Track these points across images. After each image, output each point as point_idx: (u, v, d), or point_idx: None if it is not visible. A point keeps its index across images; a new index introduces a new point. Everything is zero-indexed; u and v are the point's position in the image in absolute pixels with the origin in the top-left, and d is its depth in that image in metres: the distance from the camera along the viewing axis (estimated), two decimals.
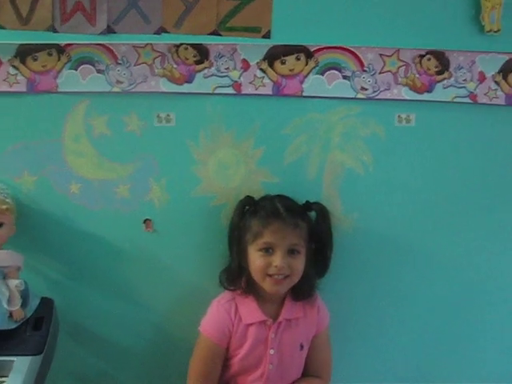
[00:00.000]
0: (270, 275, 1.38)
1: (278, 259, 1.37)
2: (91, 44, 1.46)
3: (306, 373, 1.51)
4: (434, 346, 1.69)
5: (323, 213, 1.48)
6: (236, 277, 1.45)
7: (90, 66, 1.48)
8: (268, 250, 1.39)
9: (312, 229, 1.45)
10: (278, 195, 1.48)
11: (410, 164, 1.57)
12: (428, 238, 1.62)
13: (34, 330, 1.37)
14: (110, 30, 1.46)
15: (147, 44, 1.48)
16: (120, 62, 1.48)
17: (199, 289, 1.57)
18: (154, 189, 1.55)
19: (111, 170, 1.53)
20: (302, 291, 1.45)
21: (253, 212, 1.44)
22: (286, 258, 1.38)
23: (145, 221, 1.55)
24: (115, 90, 1.49)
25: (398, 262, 1.62)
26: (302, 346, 1.47)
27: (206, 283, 1.55)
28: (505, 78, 1.54)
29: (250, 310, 1.43)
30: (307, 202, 1.49)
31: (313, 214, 1.49)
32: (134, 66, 1.49)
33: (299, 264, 1.41)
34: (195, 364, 1.46)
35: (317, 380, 1.51)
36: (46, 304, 1.46)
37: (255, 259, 1.40)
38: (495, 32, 1.50)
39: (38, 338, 1.35)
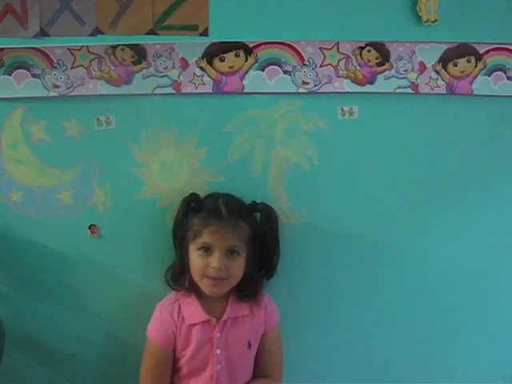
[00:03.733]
0: (208, 276, 1.37)
1: (215, 260, 1.36)
2: (25, 48, 1.44)
3: (256, 373, 1.49)
4: (390, 344, 1.67)
5: (268, 213, 1.46)
6: (179, 275, 1.44)
7: (25, 71, 1.45)
8: (206, 249, 1.37)
9: (256, 230, 1.44)
10: (225, 194, 1.46)
11: (355, 156, 1.57)
12: (376, 230, 1.60)
13: None
14: (43, 33, 1.44)
15: (83, 46, 1.46)
16: (56, 65, 1.46)
17: (147, 293, 1.54)
18: (97, 193, 1.52)
19: (52, 177, 1.51)
20: (246, 292, 1.45)
21: (196, 210, 1.43)
22: (223, 259, 1.37)
23: (90, 226, 1.53)
24: (52, 94, 1.47)
25: (348, 256, 1.61)
26: (249, 345, 1.45)
27: (153, 287, 1.53)
28: (444, 67, 1.54)
29: (192, 310, 1.42)
30: (253, 202, 1.47)
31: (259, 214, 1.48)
32: (71, 69, 1.47)
33: (238, 266, 1.39)
34: (145, 369, 1.44)
35: (268, 380, 1.49)
36: None
37: (194, 258, 1.39)
38: (433, 22, 1.51)
39: None
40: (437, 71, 1.54)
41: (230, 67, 1.50)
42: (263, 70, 1.51)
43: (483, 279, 1.65)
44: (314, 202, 1.57)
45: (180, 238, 1.44)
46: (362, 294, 1.63)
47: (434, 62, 1.54)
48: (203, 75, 1.50)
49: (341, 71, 1.53)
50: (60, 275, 1.55)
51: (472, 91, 1.56)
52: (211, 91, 1.50)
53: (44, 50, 1.44)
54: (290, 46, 1.50)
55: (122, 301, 1.58)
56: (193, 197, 1.46)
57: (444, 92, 1.55)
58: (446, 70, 1.55)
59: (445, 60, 1.54)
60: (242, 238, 1.39)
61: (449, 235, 1.63)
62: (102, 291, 1.56)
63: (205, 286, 1.39)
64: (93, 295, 1.56)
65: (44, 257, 1.53)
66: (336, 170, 1.57)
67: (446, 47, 1.53)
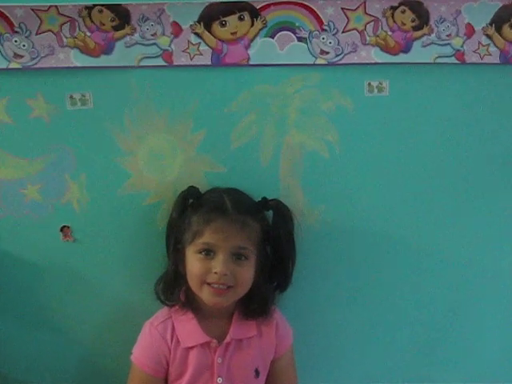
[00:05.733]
0: (209, 283, 1.25)
1: (218, 264, 1.23)
2: None
3: None
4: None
5: (282, 212, 1.35)
6: (173, 286, 1.32)
7: None
8: (208, 252, 1.26)
9: (267, 231, 1.33)
10: (230, 188, 1.35)
11: (384, 142, 1.44)
12: (409, 230, 1.48)
13: None
14: None
15: (51, 6, 1.32)
16: (17, 30, 1.32)
17: (133, 309, 1.45)
18: (71, 188, 1.41)
19: (16, 167, 1.39)
20: (253, 308, 1.32)
21: (195, 206, 1.31)
22: (229, 263, 1.24)
23: (62, 228, 1.42)
24: (14, 65, 1.34)
25: (374, 259, 1.50)
26: (257, 373, 1.33)
27: (140, 301, 1.43)
28: (498, 30, 1.40)
29: (189, 329, 1.30)
30: (264, 198, 1.35)
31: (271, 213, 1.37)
32: (36, 35, 1.33)
33: (246, 272, 1.27)
34: None
35: None
36: None
37: (193, 263, 1.27)
38: None
39: None
40: (488, 35, 1.40)
41: (232, 33, 1.38)
42: (273, 37, 1.39)
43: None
44: (334, 198, 1.46)
45: (175, 240, 1.32)
46: (392, 300, 1.52)
47: (484, 25, 1.40)
48: (200, 43, 1.38)
49: (368, 37, 1.40)
50: (27, 286, 1.44)
51: None
52: (210, 63, 1.39)
53: (1, 10, 1.30)
54: (305, 6, 1.37)
55: (101, 318, 1.47)
56: (191, 191, 1.34)
57: (497, 61, 1.42)
58: (500, 34, 1.41)
59: (499, 21, 1.40)
60: (252, 240, 1.28)
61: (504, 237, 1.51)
62: (77, 307, 1.45)
63: (205, 294, 1.26)
64: (66, 312, 1.46)
65: (6, 266, 1.42)
66: (361, 159, 1.45)
67: (501, 4, 1.38)
